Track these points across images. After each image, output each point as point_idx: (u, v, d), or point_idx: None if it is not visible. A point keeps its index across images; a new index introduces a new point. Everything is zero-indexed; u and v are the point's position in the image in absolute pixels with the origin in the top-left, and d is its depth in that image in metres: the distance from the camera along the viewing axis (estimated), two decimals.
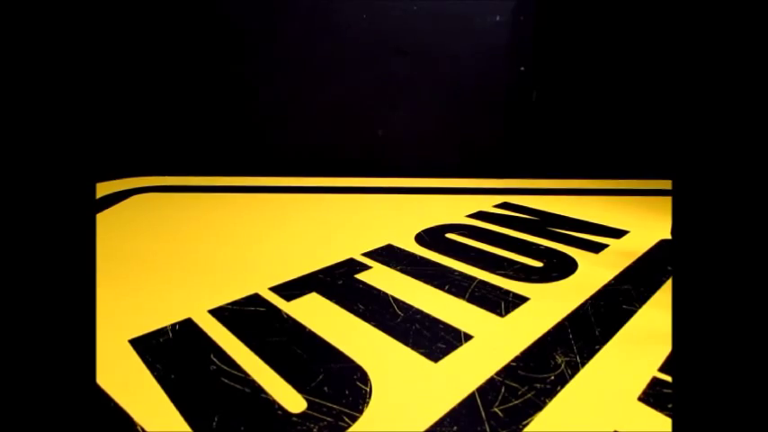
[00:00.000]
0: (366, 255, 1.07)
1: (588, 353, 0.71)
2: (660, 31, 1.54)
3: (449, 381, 0.64)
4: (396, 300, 0.86)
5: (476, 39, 1.70)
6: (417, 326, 0.77)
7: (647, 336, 0.75)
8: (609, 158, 1.76)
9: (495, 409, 0.58)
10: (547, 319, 0.81)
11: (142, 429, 0.54)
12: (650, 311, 0.84)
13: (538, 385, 0.63)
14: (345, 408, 0.58)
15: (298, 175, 1.65)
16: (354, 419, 0.56)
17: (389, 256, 1.07)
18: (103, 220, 1.34)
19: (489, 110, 1.81)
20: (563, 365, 0.67)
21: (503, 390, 0.62)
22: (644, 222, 1.35)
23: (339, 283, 0.94)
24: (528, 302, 0.87)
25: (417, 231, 1.22)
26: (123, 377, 0.65)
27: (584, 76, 1.67)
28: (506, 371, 0.66)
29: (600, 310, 0.85)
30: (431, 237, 1.19)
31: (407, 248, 1.11)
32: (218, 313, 0.82)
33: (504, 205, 1.50)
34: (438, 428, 0.55)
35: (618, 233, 1.27)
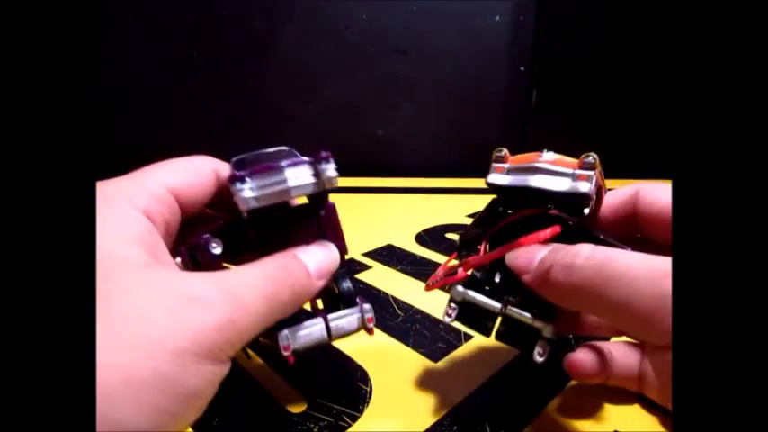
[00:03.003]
0: (366, 254, 1.07)
1: None
2: (662, 28, 1.54)
3: (449, 380, 0.64)
4: (396, 299, 0.86)
5: (476, 38, 1.70)
6: (417, 326, 0.77)
7: None
8: (609, 158, 1.76)
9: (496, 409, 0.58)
10: None
11: None
12: None
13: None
14: (345, 407, 0.58)
15: None
16: (355, 419, 0.56)
17: (390, 255, 1.07)
18: None
19: (489, 109, 1.81)
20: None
21: (503, 389, 0.62)
22: None
23: None
24: None
25: (418, 231, 1.22)
26: None
27: (584, 74, 1.67)
28: (506, 371, 0.66)
29: None
30: (431, 236, 1.19)
31: (408, 248, 1.11)
32: None
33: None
34: (438, 428, 0.55)
35: None
